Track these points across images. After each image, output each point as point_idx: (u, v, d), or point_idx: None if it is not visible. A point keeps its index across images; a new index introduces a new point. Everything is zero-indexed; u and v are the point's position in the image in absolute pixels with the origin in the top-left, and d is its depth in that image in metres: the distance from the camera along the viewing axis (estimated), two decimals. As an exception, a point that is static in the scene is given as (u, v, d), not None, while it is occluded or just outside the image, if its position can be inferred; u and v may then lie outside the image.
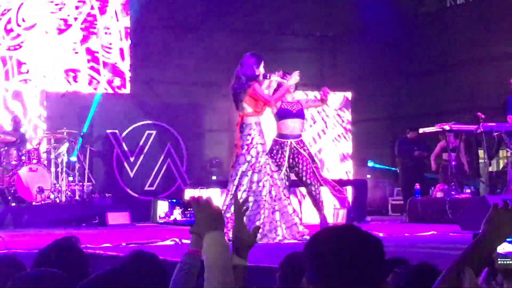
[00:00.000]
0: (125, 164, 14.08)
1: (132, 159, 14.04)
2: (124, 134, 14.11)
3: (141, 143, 14.13)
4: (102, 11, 14.18)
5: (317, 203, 9.08)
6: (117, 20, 14.25)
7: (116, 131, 14.07)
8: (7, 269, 3.42)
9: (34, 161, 12.22)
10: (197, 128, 14.81)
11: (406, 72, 15.50)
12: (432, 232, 9.57)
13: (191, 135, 14.51)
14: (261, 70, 8.65)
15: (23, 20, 13.70)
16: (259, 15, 15.36)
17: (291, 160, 9.01)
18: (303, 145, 9.15)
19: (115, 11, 14.24)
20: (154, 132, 14.14)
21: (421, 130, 12.47)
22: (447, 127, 11.71)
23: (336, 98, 13.93)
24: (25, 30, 13.71)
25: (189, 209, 2.47)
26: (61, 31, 13.93)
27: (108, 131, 14.03)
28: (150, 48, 14.53)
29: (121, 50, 14.27)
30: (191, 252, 2.67)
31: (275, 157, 8.91)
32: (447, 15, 15.29)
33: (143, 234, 9.81)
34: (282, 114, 9.09)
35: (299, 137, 9.15)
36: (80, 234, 10.57)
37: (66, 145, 12.76)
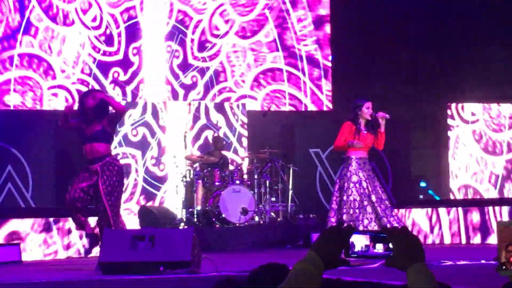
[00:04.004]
0: (328, 183, 14.18)
1: (335, 178, 14.11)
2: (326, 153, 14.24)
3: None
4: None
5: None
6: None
7: (319, 150, 14.22)
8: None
9: (237, 181, 12.56)
10: (402, 145, 14.70)
11: None
12: None
13: (396, 153, 14.41)
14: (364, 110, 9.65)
15: (217, 29, 14.18)
16: (470, 26, 15.00)
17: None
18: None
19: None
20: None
21: None
22: None
23: None
24: (219, 39, 14.18)
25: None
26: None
27: (311, 150, 14.21)
28: (352, 63, 14.59)
29: (318, 41, 14.53)
30: None
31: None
32: None
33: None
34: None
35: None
36: (286, 256, 10.79)
37: (269, 165, 13.02)
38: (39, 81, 13.14)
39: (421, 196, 14.34)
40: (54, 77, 13.23)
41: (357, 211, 9.59)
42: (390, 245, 2.65)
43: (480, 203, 13.93)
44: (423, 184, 14.65)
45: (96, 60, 13.53)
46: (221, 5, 14.17)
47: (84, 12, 13.47)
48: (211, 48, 14.12)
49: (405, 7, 14.72)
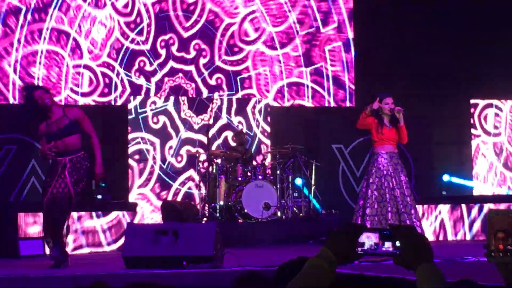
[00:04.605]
0: (351, 179, 14.20)
1: (358, 175, 14.15)
2: (349, 148, 14.25)
3: (366, 157, 14.19)
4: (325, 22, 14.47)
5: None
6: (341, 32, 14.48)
7: (341, 145, 14.24)
8: (253, 285, 3.57)
9: (260, 177, 12.57)
10: (425, 142, 14.64)
11: None
12: None
13: (419, 149, 14.38)
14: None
15: (246, 35, 14.21)
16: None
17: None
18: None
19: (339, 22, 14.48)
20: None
21: None
22: None
23: None
24: (247, 45, 14.21)
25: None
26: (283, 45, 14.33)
27: (333, 145, 14.23)
28: (374, 60, 14.54)
29: (346, 63, 14.49)
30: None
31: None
32: None
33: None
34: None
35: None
36: (308, 251, 10.84)
37: (292, 161, 13.04)
38: (65, 57, 13.23)
39: (444, 192, 14.31)
40: (80, 57, 13.32)
41: (381, 205, 9.66)
42: (398, 243, 2.65)
43: (506, 199, 13.90)
44: (446, 178, 14.59)
45: (123, 46, 13.58)
46: (253, 12, 14.17)
47: (116, -3, 13.58)
48: (239, 53, 14.15)
49: (425, 14, 14.63)
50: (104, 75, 13.43)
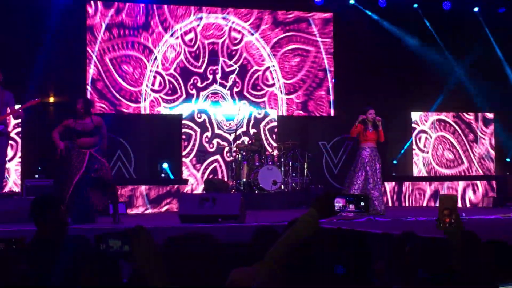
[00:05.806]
0: (331, 165, 14.24)
1: (336, 161, 14.20)
2: (330, 144, 14.28)
3: (341, 150, 14.23)
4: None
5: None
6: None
7: (325, 142, 14.26)
8: (266, 237, 3.68)
9: (270, 162, 12.61)
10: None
11: None
12: None
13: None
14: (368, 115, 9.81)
15: (267, 80, 14.29)
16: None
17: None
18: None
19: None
20: (352, 143, 14.18)
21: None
22: None
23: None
24: (266, 87, 14.25)
25: (361, 203, 2.49)
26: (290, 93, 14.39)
27: (320, 142, 14.26)
28: (349, 87, 14.48)
29: (328, 114, 14.50)
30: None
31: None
32: None
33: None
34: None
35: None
36: (302, 213, 10.86)
37: (291, 152, 13.06)
38: (146, 63, 13.36)
39: (393, 174, 14.32)
40: (156, 66, 13.45)
41: (363, 182, 9.76)
42: (362, 203, 2.72)
43: (435, 179, 13.91)
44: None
45: (185, 65, 13.66)
46: (273, 66, 14.22)
47: (186, 33, 13.64)
48: (260, 91, 14.19)
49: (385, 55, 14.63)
50: (169, 82, 13.53)
